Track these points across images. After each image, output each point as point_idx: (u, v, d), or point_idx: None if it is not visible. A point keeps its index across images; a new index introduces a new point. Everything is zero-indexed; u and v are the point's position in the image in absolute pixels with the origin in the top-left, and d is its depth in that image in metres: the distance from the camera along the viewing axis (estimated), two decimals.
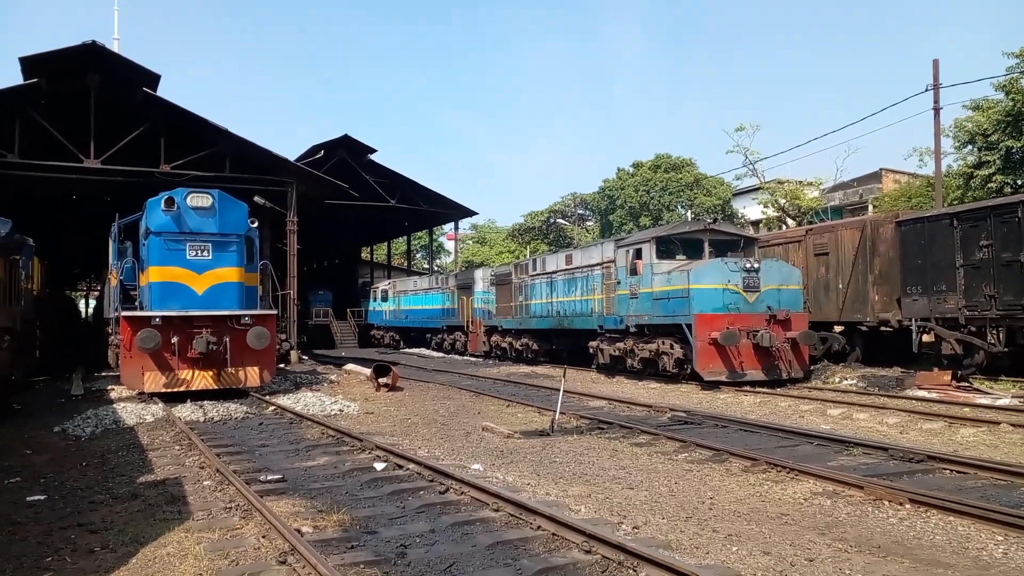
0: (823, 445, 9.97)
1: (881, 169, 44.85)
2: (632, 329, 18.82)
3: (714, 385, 16.45)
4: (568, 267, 22.68)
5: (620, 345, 19.45)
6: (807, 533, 6.18)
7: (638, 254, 18.68)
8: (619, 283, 19.46)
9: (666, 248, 18.33)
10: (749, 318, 16.66)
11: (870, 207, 39.34)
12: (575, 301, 22.10)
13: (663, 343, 17.70)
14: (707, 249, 18.27)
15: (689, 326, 16.55)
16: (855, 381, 16.83)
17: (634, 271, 18.72)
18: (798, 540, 5.98)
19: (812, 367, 18.47)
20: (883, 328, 18.66)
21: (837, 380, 17.24)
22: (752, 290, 16.93)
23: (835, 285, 19.08)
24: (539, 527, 6.03)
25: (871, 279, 18.17)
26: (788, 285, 17.44)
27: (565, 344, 23.99)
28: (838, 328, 19.73)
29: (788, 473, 8.20)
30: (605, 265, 20.47)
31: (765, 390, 16.05)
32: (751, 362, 16.59)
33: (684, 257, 18.31)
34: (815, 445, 10.02)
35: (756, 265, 17.20)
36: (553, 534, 5.87)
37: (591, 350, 21.09)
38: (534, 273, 25.11)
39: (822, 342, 19.41)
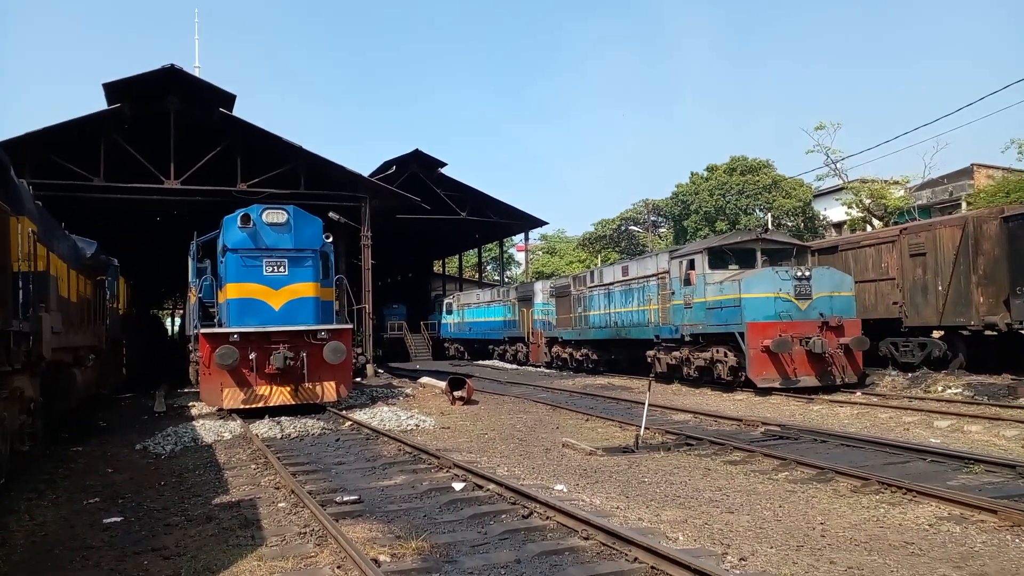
0: (938, 462, 9.12)
1: (972, 164, 42.47)
2: (687, 338, 19.06)
3: (767, 391, 16.61)
4: (625, 278, 23.06)
5: (676, 354, 19.66)
6: (940, 566, 5.47)
7: (691, 265, 18.96)
8: (673, 293, 19.72)
9: (718, 258, 18.58)
10: (801, 325, 16.80)
11: (964, 204, 37.23)
12: (632, 311, 22.47)
13: (717, 351, 17.91)
14: (759, 258, 18.35)
15: (742, 334, 16.78)
16: (960, 390, 15.70)
17: (688, 281, 19.01)
18: (931, 575, 5.29)
19: (911, 375, 17.47)
20: (988, 332, 17.36)
21: (940, 389, 16.11)
22: (804, 298, 17.07)
23: (934, 287, 17.86)
24: (636, 559, 5.48)
25: (975, 280, 16.93)
26: (840, 292, 17.49)
27: (623, 354, 24.22)
28: (937, 333, 18.48)
29: (905, 494, 7.46)
30: (660, 276, 20.70)
31: (862, 400, 15.14)
32: (804, 368, 16.68)
33: (737, 267, 18.43)
34: (928, 462, 9.18)
35: (807, 273, 17.29)
36: (652, 567, 5.31)
37: (648, 359, 21.18)
38: (592, 285, 25.43)
39: (920, 348, 18.28)
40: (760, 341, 16.42)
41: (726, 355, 17.54)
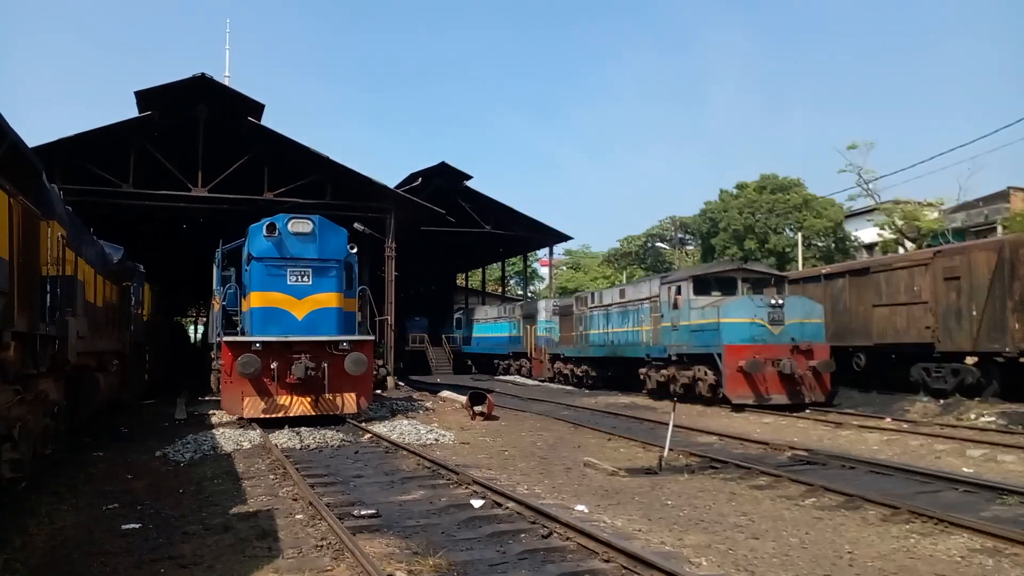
0: (971, 492, 8.87)
1: (1009, 188, 41.76)
2: (674, 358, 20.60)
3: (741, 407, 18.03)
4: (622, 300, 24.73)
5: (664, 372, 21.25)
6: None
7: (678, 290, 20.57)
8: (663, 316, 21.31)
9: (703, 285, 20.33)
10: (774, 348, 18.23)
11: (999, 228, 36.57)
12: (627, 332, 24.00)
13: (699, 370, 19.47)
14: (740, 286, 20.11)
15: (720, 355, 18.31)
16: (994, 418, 15.31)
17: (675, 306, 20.61)
18: None
19: (943, 401, 17.18)
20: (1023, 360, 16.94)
21: (973, 417, 15.74)
22: (777, 323, 18.55)
23: (967, 312, 17.47)
24: None
25: (1010, 305, 16.51)
26: (811, 319, 19.05)
27: (618, 371, 25.49)
28: (971, 359, 18.06)
29: (936, 524, 7.23)
30: (652, 299, 22.31)
31: (892, 427, 14.83)
32: (776, 388, 18.13)
33: (719, 294, 20.18)
34: (961, 492, 8.93)
35: (781, 301, 18.88)
36: None
37: (641, 376, 22.65)
38: (593, 305, 26.96)
39: (953, 374, 17.88)
40: (736, 362, 17.91)
41: (706, 374, 19.07)
